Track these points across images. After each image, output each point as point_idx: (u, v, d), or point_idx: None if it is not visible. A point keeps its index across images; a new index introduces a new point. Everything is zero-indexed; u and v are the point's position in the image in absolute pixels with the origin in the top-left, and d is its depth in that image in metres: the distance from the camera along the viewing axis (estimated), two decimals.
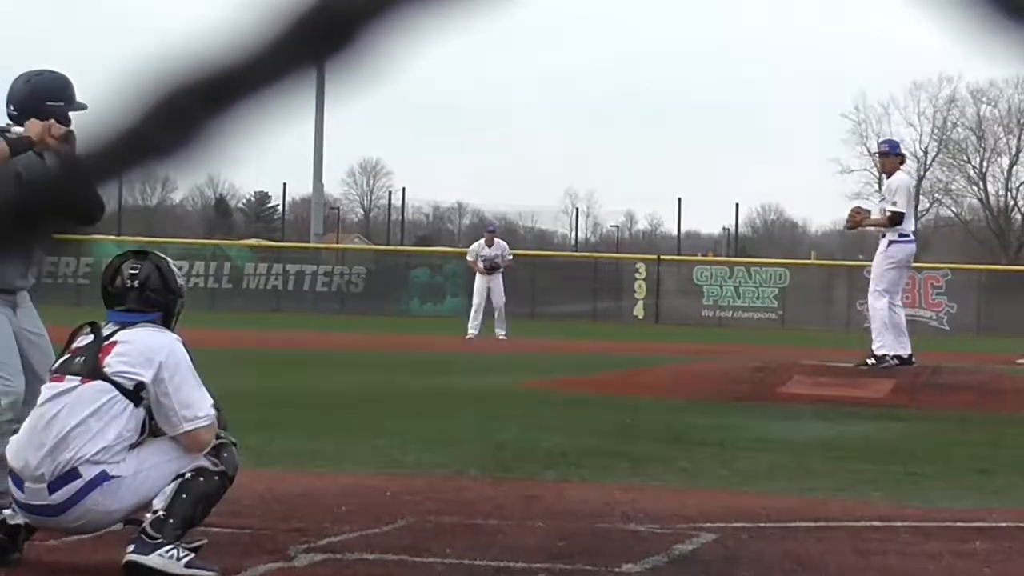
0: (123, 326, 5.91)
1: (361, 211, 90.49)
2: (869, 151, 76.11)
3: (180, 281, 6.12)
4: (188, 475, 5.69)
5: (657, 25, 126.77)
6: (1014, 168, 75.13)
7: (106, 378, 5.77)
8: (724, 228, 72.37)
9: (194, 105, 1.27)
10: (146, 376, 5.77)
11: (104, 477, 5.68)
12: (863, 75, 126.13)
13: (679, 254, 55.99)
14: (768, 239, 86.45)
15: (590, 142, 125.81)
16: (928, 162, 76.45)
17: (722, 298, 44.48)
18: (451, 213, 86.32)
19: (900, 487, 8.99)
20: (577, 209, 75.16)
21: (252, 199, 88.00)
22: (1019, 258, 68.29)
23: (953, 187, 77.01)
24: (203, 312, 31.18)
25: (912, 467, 9.99)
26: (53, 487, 5.68)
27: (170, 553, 5.58)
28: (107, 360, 5.81)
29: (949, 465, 10.17)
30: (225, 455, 5.80)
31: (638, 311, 46.35)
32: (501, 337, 28.18)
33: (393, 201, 69.67)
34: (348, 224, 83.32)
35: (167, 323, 6.01)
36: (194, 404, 5.80)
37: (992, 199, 76.03)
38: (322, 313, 41.72)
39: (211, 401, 5.88)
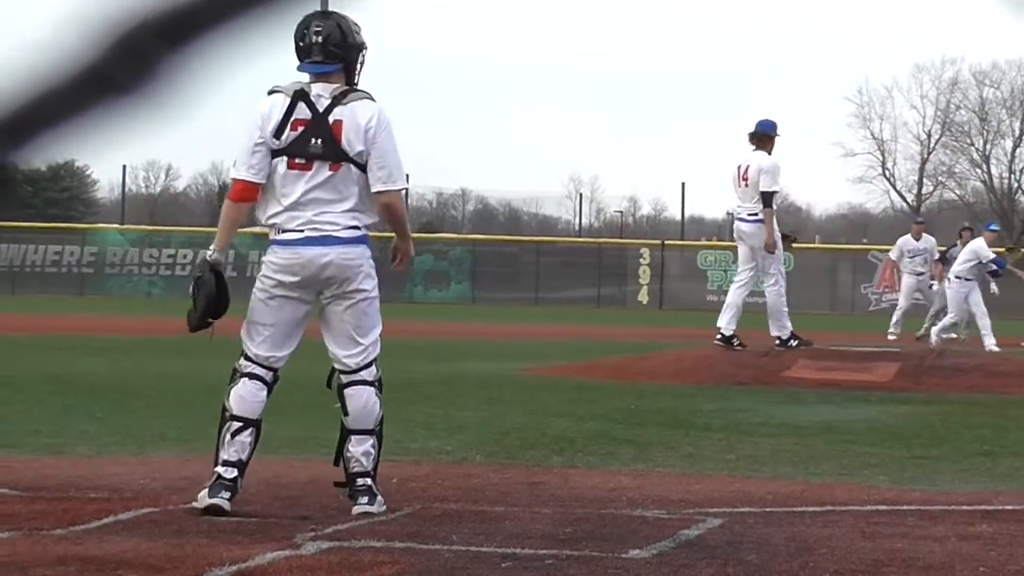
0: (321, 76, 6.83)
1: None
2: (872, 135, 76.21)
3: (360, 37, 6.93)
4: (377, 430, 7.38)
5: (658, 9, 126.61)
6: (1017, 150, 75.06)
7: (349, 159, 6.83)
8: (728, 213, 72.28)
9: (154, 39, 1.22)
10: (363, 147, 6.85)
11: (366, 241, 7.20)
12: (866, 58, 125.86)
13: (683, 239, 55.99)
14: None
15: (594, 127, 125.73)
16: (932, 145, 76.40)
17: (726, 283, 44.29)
18: (455, 199, 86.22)
19: (905, 471, 8.99)
20: (581, 195, 75.05)
21: None
22: (1023, 241, 68.20)
23: (956, 170, 76.98)
24: None
25: (917, 451, 9.99)
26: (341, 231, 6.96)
27: (381, 505, 6.93)
28: (343, 140, 6.83)
29: (954, 448, 10.18)
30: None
31: (642, 296, 46.35)
32: (994, 349, 22.68)
33: None
34: None
35: (350, 73, 6.91)
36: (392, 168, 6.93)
37: (996, 182, 75.97)
38: None
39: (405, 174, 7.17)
